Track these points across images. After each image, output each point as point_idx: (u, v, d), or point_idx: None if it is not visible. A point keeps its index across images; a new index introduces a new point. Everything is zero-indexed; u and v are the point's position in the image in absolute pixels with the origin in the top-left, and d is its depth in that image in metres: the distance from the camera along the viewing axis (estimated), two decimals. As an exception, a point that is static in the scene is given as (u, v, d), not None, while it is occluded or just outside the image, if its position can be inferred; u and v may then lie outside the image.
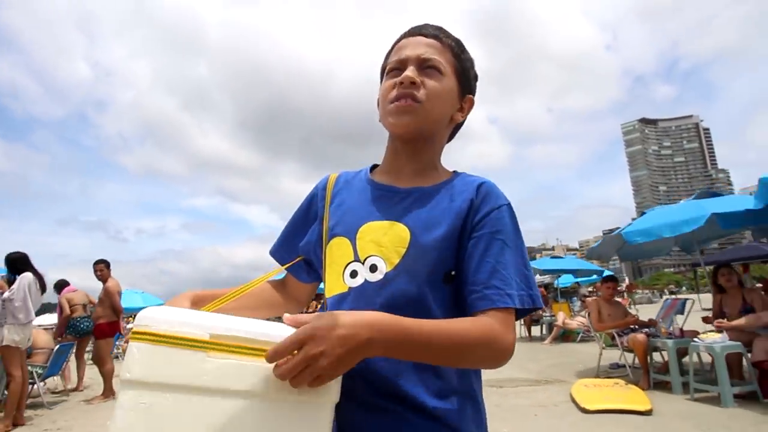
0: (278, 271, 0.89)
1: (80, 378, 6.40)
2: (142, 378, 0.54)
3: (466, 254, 0.73)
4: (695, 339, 4.12)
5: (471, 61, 0.84)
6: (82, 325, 6.05)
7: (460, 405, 0.72)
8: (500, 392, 4.67)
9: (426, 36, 0.79)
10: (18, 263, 4.57)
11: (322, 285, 0.90)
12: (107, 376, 5.42)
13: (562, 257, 14.89)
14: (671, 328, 4.68)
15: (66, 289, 6.26)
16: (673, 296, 8.38)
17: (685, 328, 4.75)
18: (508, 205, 0.77)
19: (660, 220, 4.89)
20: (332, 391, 0.58)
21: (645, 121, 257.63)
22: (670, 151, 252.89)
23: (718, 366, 3.79)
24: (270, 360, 0.54)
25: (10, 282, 4.52)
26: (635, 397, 3.91)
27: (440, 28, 0.82)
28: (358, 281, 0.74)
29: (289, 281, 0.93)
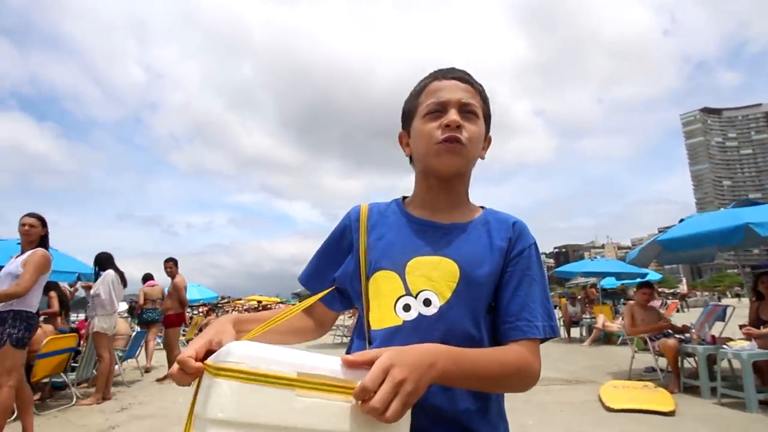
0: (315, 300, 0.89)
1: (148, 359, 7.31)
2: (236, 418, 0.53)
3: (501, 287, 0.80)
4: (724, 346, 4.20)
5: (489, 104, 0.90)
6: (145, 315, 7.18)
7: (502, 428, 0.82)
8: (531, 391, 4.90)
9: (460, 81, 0.84)
10: (103, 262, 5.34)
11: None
12: (174, 361, 6.17)
13: (605, 259, 14.47)
14: (704, 335, 4.74)
15: (147, 282, 7.26)
16: (714, 303, 8.10)
17: (725, 335, 4.79)
18: (535, 243, 0.84)
19: (696, 229, 4.90)
20: (405, 424, 0.60)
21: (707, 111, 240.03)
22: (736, 143, 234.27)
23: (744, 372, 3.87)
24: (359, 396, 0.56)
25: (96, 277, 5.31)
26: (660, 399, 4.06)
27: (468, 74, 0.87)
28: (412, 315, 0.77)
29: (317, 308, 0.93)
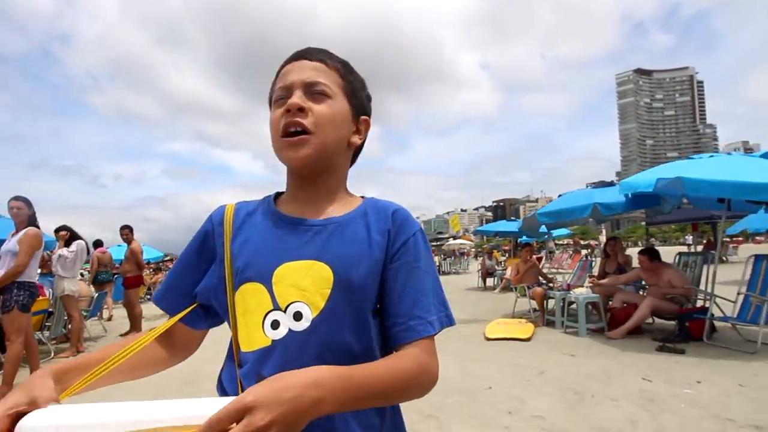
0: (168, 325, 0.75)
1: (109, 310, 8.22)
2: None
3: (386, 285, 0.72)
4: (571, 292, 5.76)
5: (361, 82, 0.81)
6: (99, 277, 8.14)
7: None
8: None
9: (310, 59, 0.75)
10: (74, 234, 5.98)
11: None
12: (136, 318, 6.96)
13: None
14: (564, 283, 6.33)
15: (98, 249, 7.93)
16: (585, 258, 10.11)
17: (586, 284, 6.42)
18: (420, 230, 0.77)
19: (562, 206, 6.41)
20: None
21: (640, 72, 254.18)
22: (662, 104, 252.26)
23: (579, 310, 5.44)
24: None
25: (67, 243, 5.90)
26: (524, 330, 5.57)
27: (325, 51, 0.78)
28: (281, 332, 0.67)
29: (177, 329, 0.77)
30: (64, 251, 5.73)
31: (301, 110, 0.71)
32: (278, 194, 0.83)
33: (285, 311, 0.68)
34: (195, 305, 0.78)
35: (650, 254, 5.26)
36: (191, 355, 0.84)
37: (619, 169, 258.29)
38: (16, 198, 4.06)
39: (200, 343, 0.85)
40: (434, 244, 44.55)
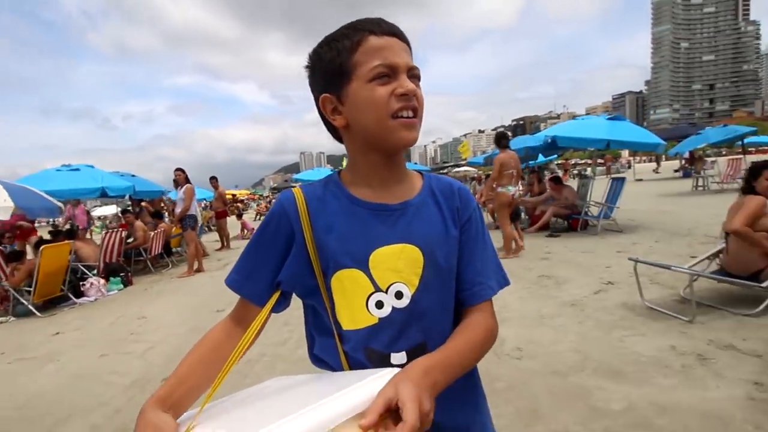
0: (262, 318, 0.76)
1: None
2: None
3: (459, 256, 0.80)
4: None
5: None
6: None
7: (487, 410, 0.87)
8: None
9: (402, 40, 0.75)
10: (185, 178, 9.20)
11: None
12: (227, 237, 10.44)
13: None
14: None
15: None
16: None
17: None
18: (477, 204, 0.86)
19: (575, 133, 7.90)
20: None
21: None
22: (701, 0, 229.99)
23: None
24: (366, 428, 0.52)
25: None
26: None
27: (401, 31, 0.77)
28: (386, 311, 0.74)
29: (252, 313, 0.78)
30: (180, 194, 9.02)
31: (415, 96, 0.73)
32: (339, 173, 0.84)
33: (386, 292, 0.74)
34: (278, 293, 0.78)
35: (554, 180, 8.20)
36: (259, 336, 0.81)
37: (648, 77, 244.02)
38: (178, 169, 7.26)
39: (266, 324, 0.81)
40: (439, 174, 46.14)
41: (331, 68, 0.75)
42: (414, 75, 0.75)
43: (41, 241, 5.98)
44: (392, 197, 0.80)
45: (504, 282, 0.85)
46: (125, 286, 6.67)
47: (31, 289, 5.33)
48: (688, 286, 3.37)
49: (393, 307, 0.75)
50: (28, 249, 6.70)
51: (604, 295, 3.97)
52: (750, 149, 22.51)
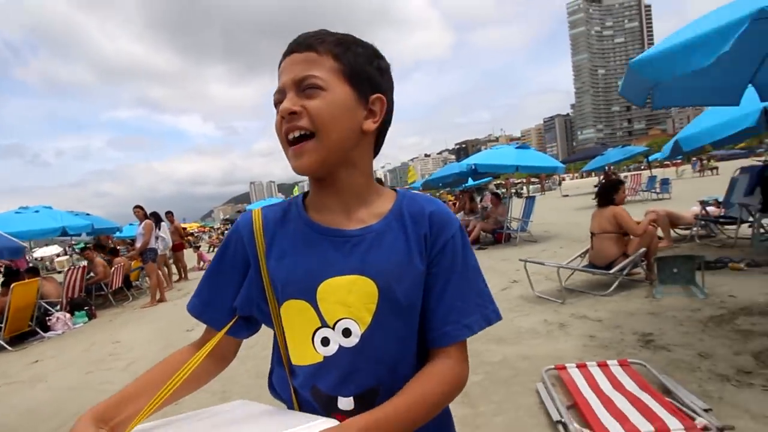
0: (215, 341, 0.73)
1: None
2: None
3: (426, 291, 0.71)
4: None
5: (366, 56, 0.71)
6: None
7: None
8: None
9: (299, 51, 0.67)
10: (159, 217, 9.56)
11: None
12: (184, 269, 10.80)
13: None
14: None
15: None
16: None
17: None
18: (459, 228, 0.73)
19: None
20: None
21: None
22: (612, 32, 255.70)
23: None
24: None
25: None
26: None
27: (317, 34, 0.69)
28: (332, 348, 0.68)
29: (219, 340, 0.75)
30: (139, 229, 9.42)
31: (294, 114, 0.65)
32: (305, 195, 0.78)
33: (333, 328, 0.68)
34: (237, 318, 0.76)
35: (496, 196, 9.50)
36: (231, 362, 0.82)
37: (573, 101, 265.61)
38: (137, 206, 7.74)
39: (238, 349, 0.82)
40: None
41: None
42: (309, 85, 0.66)
43: (12, 275, 6.26)
44: (352, 221, 0.72)
45: (493, 317, 0.73)
46: (90, 319, 6.98)
47: (2, 326, 5.62)
48: (567, 278, 4.51)
49: (340, 346, 0.68)
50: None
51: (509, 290, 5.06)
52: (656, 164, 25.99)
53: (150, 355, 4.49)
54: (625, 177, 19.99)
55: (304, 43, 0.68)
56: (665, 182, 14.70)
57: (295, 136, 0.67)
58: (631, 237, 4.45)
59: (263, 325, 0.80)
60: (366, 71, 0.70)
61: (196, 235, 35.77)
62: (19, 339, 5.95)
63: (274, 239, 0.74)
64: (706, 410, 1.97)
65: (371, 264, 0.69)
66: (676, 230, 6.73)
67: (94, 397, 3.51)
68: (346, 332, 0.68)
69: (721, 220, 6.18)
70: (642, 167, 19.85)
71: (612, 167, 20.00)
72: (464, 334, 0.70)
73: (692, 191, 10.74)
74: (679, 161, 31.54)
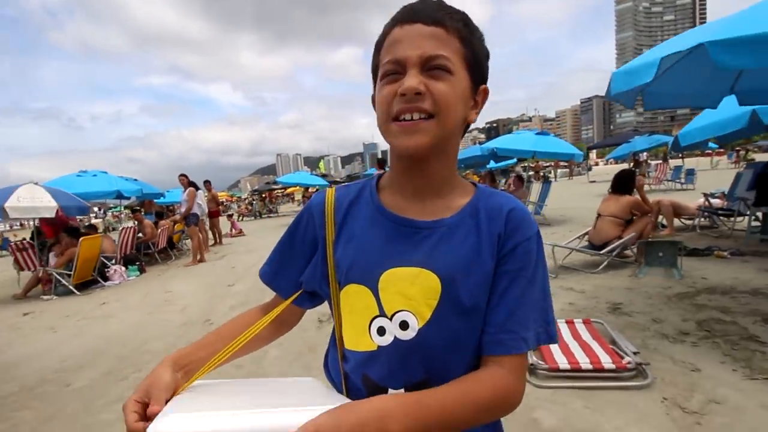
0: (282, 308, 0.78)
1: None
2: None
3: (490, 291, 0.67)
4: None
5: (481, 40, 0.68)
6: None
7: None
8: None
9: (426, 23, 0.63)
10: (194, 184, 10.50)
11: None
12: (220, 233, 11.75)
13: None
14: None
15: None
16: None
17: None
18: (537, 233, 0.69)
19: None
20: None
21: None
22: (661, 8, 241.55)
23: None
24: None
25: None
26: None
27: (441, 6, 0.65)
28: (387, 339, 0.67)
29: (280, 304, 0.80)
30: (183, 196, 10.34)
31: (419, 94, 0.61)
32: (379, 177, 0.77)
33: (391, 319, 0.66)
34: (302, 291, 0.78)
35: (519, 179, 9.90)
36: (293, 328, 0.86)
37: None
38: (182, 174, 8.57)
39: (302, 317, 0.85)
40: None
41: (372, 66, 0.70)
42: (436, 66, 0.62)
43: (74, 231, 7.24)
44: (425, 212, 0.70)
45: (545, 339, 0.67)
46: (141, 273, 7.96)
47: (71, 273, 6.60)
48: (566, 257, 5.03)
49: (395, 337, 0.66)
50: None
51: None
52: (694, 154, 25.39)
53: (200, 303, 5.30)
54: (655, 165, 19.80)
55: (432, 16, 0.63)
56: (690, 173, 14.65)
57: (412, 117, 0.63)
58: (632, 221, 4.95)
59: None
60: (481, 61, 0.68)
61: (225, 203, 37.35)
62: (83, 285, 6.93)
63: (344, 221, 0.74)
64: (635, 353, 2.55)
65: (437, 258, 0.67)
66: (681, 220, 7.06)
67: (159, 330, 4.35)
68: (404, 325, 0.66)
69: (720, 212, 6.50)
70: (669, 156, 19.58)
71: (646, 154, 19.80)
72: (520, 347, 0.65)
73: (716, 183, 10.81)
74: (718, 151, 30.59)
